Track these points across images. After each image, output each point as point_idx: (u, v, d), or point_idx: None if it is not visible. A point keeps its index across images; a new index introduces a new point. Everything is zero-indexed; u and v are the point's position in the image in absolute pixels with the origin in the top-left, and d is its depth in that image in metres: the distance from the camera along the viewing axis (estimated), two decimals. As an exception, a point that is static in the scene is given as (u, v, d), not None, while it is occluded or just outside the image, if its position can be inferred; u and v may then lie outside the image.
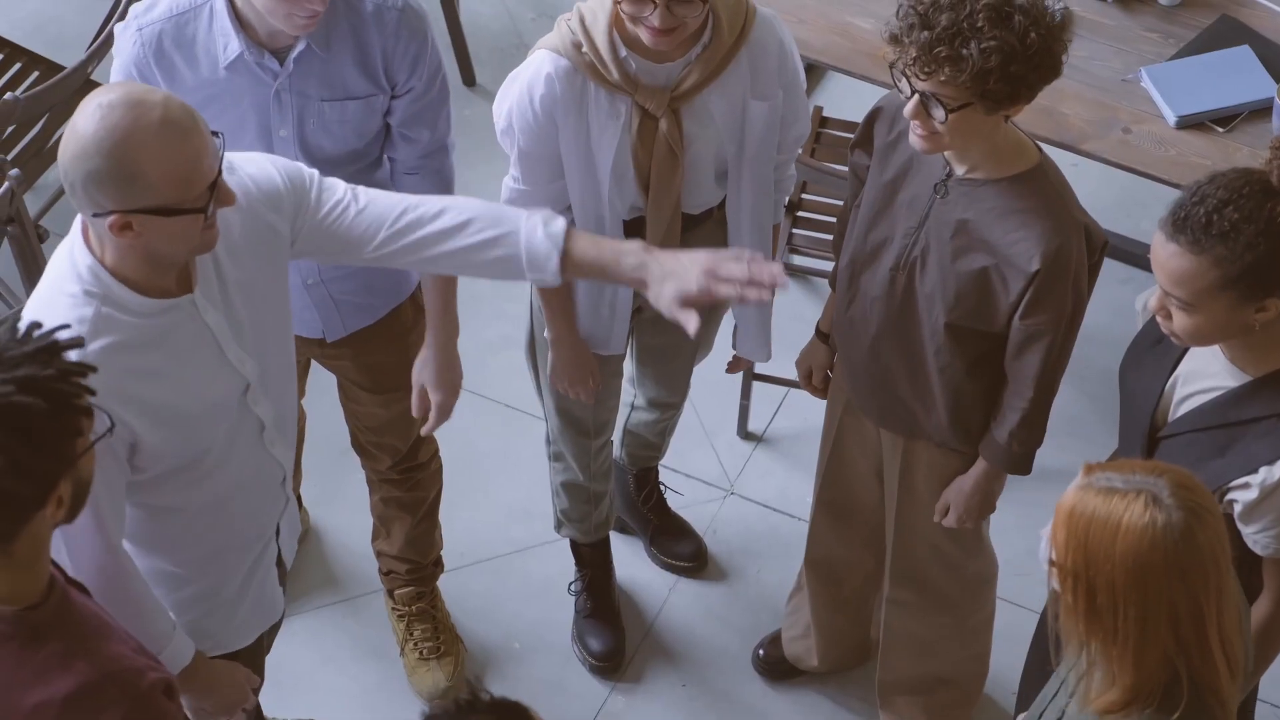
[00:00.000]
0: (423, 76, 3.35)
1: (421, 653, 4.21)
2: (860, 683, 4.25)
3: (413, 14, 3.31)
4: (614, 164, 3.46)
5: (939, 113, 3.08)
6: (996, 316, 3.29)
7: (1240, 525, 2.98)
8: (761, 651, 4.31)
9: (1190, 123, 4.13)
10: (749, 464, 4.67)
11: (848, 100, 5.07)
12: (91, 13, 5.35)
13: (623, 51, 3.38)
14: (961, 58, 3.00)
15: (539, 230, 2.96)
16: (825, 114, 4.59)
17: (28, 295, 4.34)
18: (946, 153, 3.24)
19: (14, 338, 2.39)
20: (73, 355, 2.44)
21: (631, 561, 4.46)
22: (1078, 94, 4.16)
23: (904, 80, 3.11)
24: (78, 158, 2.65)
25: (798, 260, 4.55)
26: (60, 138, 4.55)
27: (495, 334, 4.72)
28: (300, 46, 3.24)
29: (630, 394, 4.21)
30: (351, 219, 2.97)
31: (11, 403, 2.32)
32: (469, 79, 5.35)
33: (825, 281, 4.57)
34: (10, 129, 4.44)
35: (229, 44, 3.23)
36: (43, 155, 4.61)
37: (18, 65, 4.78)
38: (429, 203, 3.00)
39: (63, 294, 2.76)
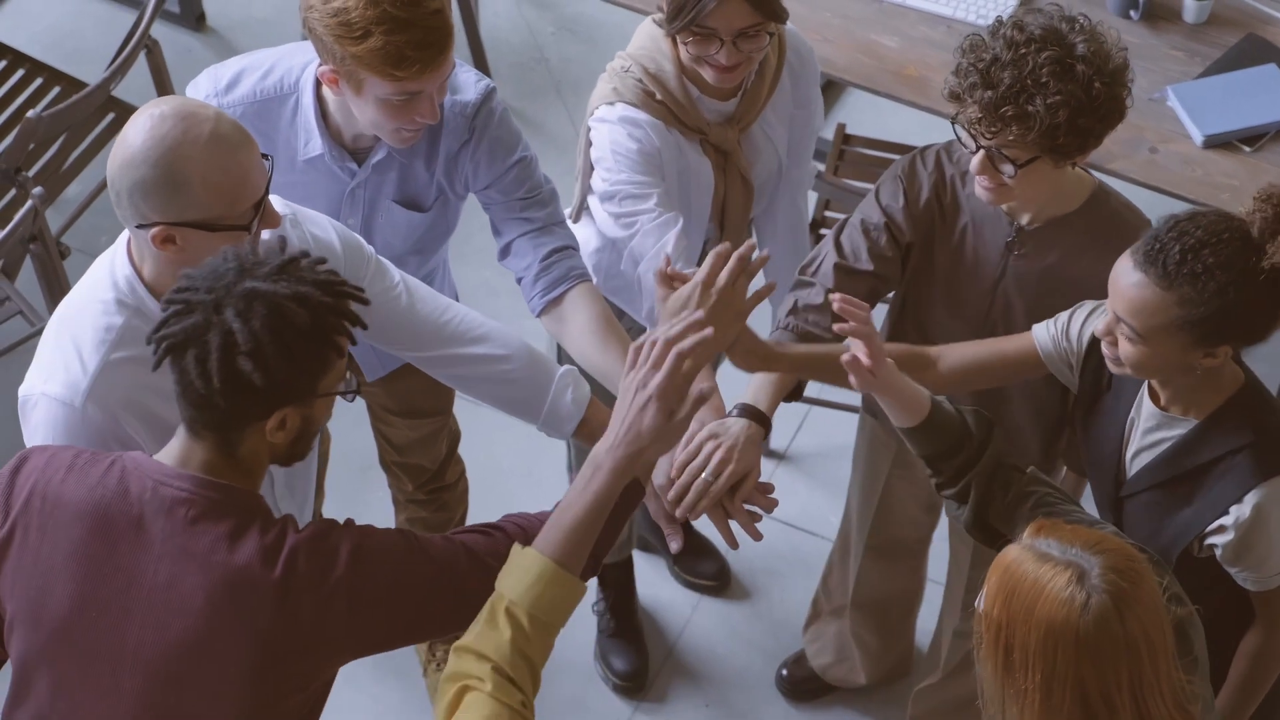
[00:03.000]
0: (499, 175, 3.26)
1: (445, 674, 4.20)
2: (886, 701, 4.25)
3: (485, 115, 3.23)
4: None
5: (1008, 168, 3.02)
6: None
7: (1226, 567, 2.96)
8: (785, 671, 4.29)
9: (1217, 142, 4.11)
10: (771, 482, 4.64)
11: (867, 116, 5.06)
12: (111, 26, 5.35)
13: (695, 93, 3.37)
14: (1028, 115, 2.93)
15: (568, 393, 3.06)
16: (848, 131, 4.57)
17: (50, 312, 4.35)
18: (1006, 208, 3.18)
19: (311, 263, 2.52)
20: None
21: (654, 580, 4.45)
22: (1104, 113, 4.14)
23: (967, 135, 3.05)
24: (125, 166, 2.64)
25: (820, 278, 4.53)
26: (80, 155, 4.62)
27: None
28: (381, 154, 3.21)
29: None
30: (397, 310, 3.02)
31: (279, 303, 2.45)
32: (488, 93, 5.33)
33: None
34: (30, 146, 4.42)
35: (310, 141, 3.19)
36: (63, 173, 4.61)
37: (38, 81, 4.77)
38: (471, 321, 3.05)
39: (95, 300, 2.78)
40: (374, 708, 4.26)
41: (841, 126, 4.56)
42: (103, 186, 4.74)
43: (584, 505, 2.57)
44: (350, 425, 4.20)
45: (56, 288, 4.31)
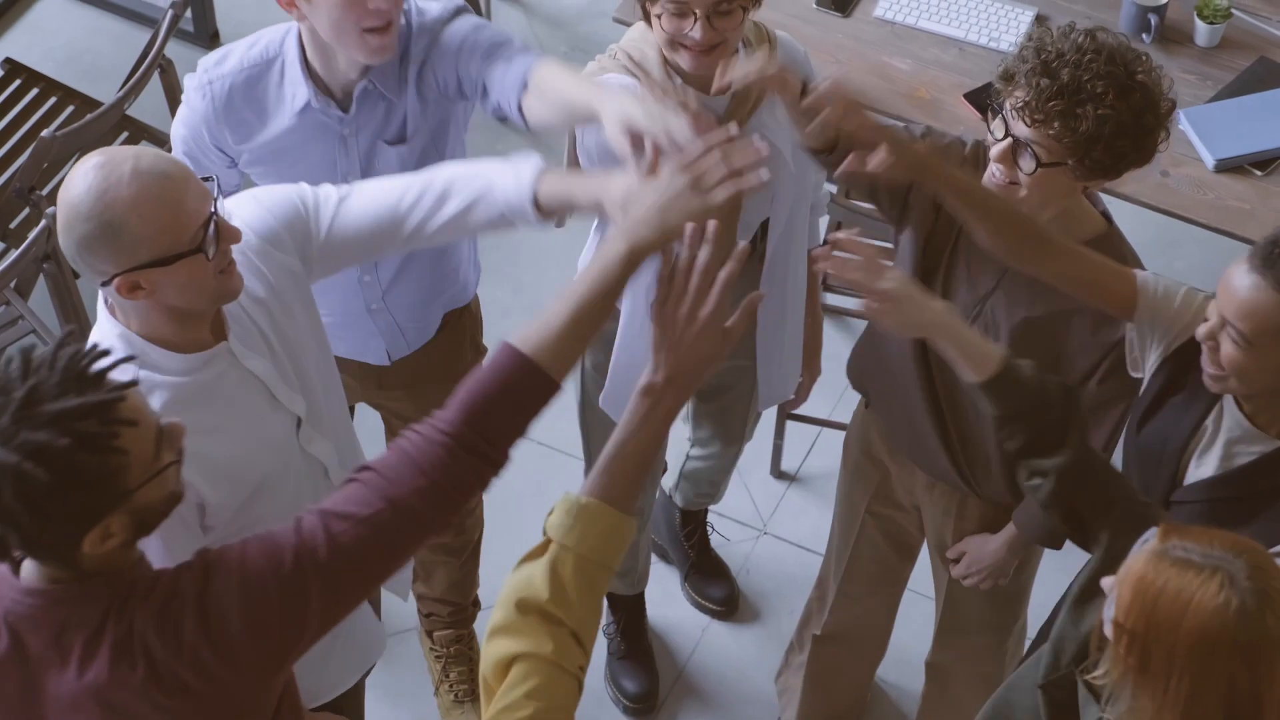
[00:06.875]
0: (451, 36, 3.26)
1: (456, 695, 4.20)
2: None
3: (443, 19, 3.27)
4: None
5: (1028, 164, 2.97)
6: (1072, 371, 3.18)
7: None
8: None
9: (1229, 166, 4.12)
10: (782, 503, 4.65)
11: (881, 136, 5.05)
12: (126, 44, 5.36)
13: (678, 81, 3.38)
14: (1076, 117, 2.90)
15: (510, 183, 2.85)
16: (860, 153, 4.57)
17: (63, 331, 4.36)
18: None
19: (49, 376, 2.33)
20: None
21: (664, 600, 4.45)
22: (1116, 136, 4.14)
23: (1000, 121, 3.00)
24: (68, 227, 2.63)
25: (832, 299, 4.53)
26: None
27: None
28: (361, 86, 3.25)
29: (685, 444, 4.22)
30: (350, 224, 2.92)
31: (17, 471, 2.30)
32: (501, 114, 5.34)
33: (859, 321, 4.57)
34: (44, 165, 4.43)
35: (297, 92, 3.25)
36: (78, 191, 4.62)
37: (52, 100, 4.79)
38: (415, 186, 2.91)
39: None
40: (385, 728, 4.26)
41: (853, 148, 4.55)
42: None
43: (645, 440, 2.51)
44: (367, 450, 4.19)
45: (69, 307, 4.33)
